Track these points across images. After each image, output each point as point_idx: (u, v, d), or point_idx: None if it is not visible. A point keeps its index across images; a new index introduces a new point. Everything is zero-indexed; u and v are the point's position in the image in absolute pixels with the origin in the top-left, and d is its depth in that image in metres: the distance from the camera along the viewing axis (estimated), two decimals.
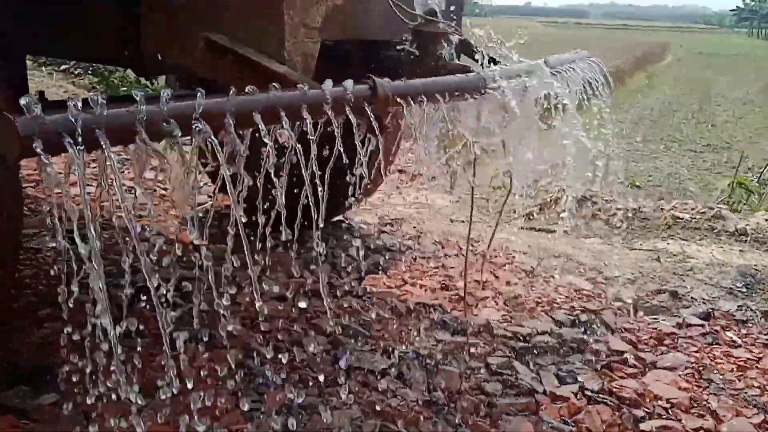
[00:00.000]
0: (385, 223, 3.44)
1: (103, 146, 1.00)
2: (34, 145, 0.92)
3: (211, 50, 1.58)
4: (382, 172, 2.46)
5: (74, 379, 1.62)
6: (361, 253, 2.96)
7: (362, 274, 2.75)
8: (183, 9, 1.64)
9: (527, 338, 2.32)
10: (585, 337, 2.35)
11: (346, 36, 1.90)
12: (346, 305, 2.48)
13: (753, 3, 54.46)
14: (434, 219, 3.63)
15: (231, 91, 1.15)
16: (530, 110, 1.82)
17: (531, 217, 3.72)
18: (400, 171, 4.71)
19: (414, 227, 3.42)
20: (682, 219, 3.54)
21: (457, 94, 1.62)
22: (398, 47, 2.02)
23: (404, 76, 1.60)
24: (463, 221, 3.59)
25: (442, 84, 1.60)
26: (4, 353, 1.96)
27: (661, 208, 3.74)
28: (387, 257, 2.96)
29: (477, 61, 1.95)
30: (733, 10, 59.20)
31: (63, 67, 7.57)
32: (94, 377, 1.44)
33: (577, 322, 2.47)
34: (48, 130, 0.94)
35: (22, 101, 0.93)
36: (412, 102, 1.49)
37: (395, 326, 2.33)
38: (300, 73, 1.59)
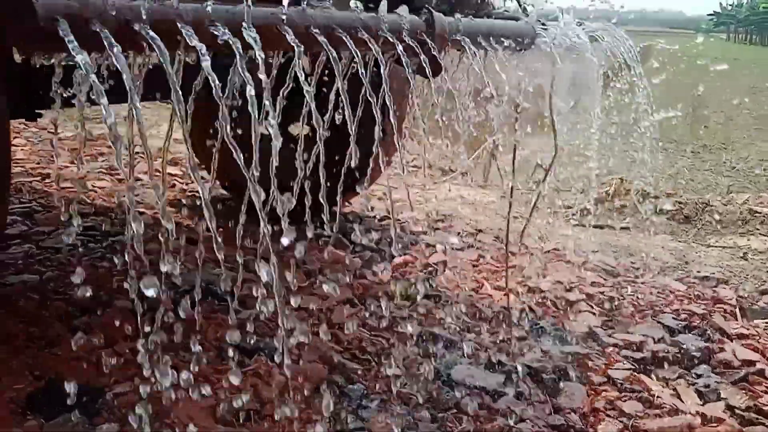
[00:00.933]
0: (436, 219, 3.12)
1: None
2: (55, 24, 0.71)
3: None
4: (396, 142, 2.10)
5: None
6: (423, 249, 2.63)
7: (432, 273, 2.43)
8: None
9: (642, 347, 2.01)
10: (705, 344, 2.04)
11: None
12: (422, 309, 2.15)
13: (730, 8, 55.28)
14: (483, 214, 3.32)
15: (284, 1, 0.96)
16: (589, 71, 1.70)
17: (587, 212, 3.43)
18: (429, 166, 4.38)
19: (467, 224, 3.10)
20: (760, 213, 3.26)
21: (511, 41, 1.44)
22: None
23: None
24: (516, 217, 3.28)
25: (499, 27, 1.42)
26: (41, 372, 1.61)
27: (733, 203, 3.46)
28: (450, 256, 2.64)
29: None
30: (710, 14, 60.10)
31: None
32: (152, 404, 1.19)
33: (688, 327, 2.17)
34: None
35: None
36: (468, 43, 1.29)
37: (488, 333, 2.01)
38: None
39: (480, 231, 2.99)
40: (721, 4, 57.90)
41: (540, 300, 2.29)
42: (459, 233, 2.92)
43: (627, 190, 3.46)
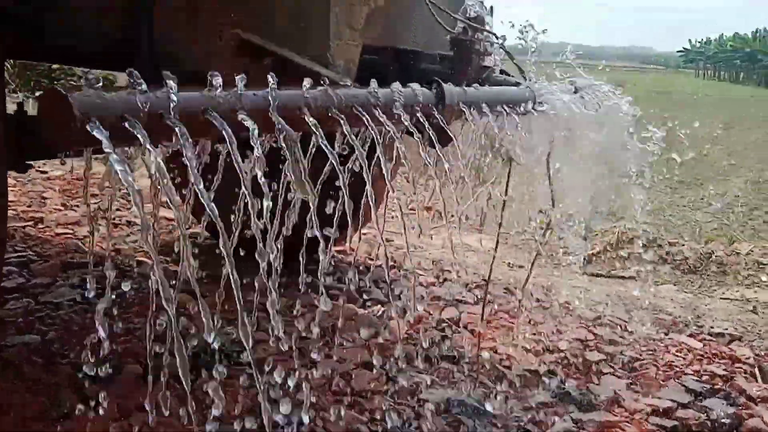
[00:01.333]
0: (443, 269, 3.06)
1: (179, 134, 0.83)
2: (89, 126, 0.74)
3: (244, 51, 1.38)
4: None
5: None
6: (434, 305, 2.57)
7: (447, 330, 2.37)
8: (206, 3, 1.43)
9: (670, 413, 1.96)
10: (733, 410, 2.00)
11: (386, 43, 1.72)
12: (440, 373, 2.09)
13: (699, 45, 56.77)
14: (487, 262, 3.27)
15: (305, 85, 1.05)
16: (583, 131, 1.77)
17: (589, 261, 3.41)
18: (427, 208, 4.34)
19: (474, 273, 3.05)
20: (765, 264, 3.27)
21: (512, 107, 1.53)
22: (437, 58, 1.86)
23: None
24: (522, 267, 3.25)
25: (502, 95, 1.50)
26: None
27: (737, 252, 3.47)
28: (461, 311, 2.58)
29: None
30: (680, 51, 61.65)
31: None
32: None
33: (712, 390, 2.13)
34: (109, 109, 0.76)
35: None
36: (474, 111, 1.38)
37: (515, 399, 1.95)
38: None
39: (487, 281, 2.93)
40: (690, 41, 59.51)
41: (559, 360, 2.24)
42: (468, 285, 2.87)
43: (629, 239, 3.45)
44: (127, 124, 0.78)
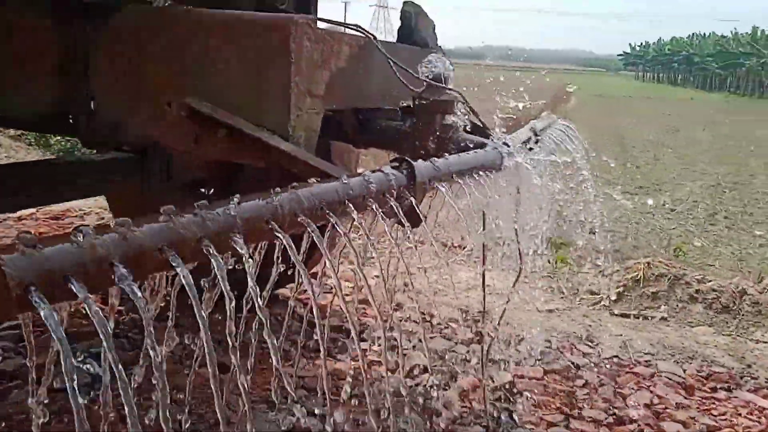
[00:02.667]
0: (473, 318, 2.68)
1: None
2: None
3: (195, 121, 1.31)
4: None
5: None
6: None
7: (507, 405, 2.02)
8: (153, 68, 1.37)
9: None
10: None
11: (348, 105, 1.67)
12: None
13: (638, 48, 58.48)
14: (513, 306, 2.91)
15: (273, 192, 0.90)
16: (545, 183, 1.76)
17: (617, 299, 3.09)
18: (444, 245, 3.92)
19: (507, 323, 2.66)
20: None
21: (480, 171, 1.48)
22: (398, 113, 1.82)
23: (405, 146, 1.65)
24: (552, 310, 2.89)
25: (469, 161, 1.46)
26: None
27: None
28: (513, 373, 2.22)
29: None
30: (620, 54, 63.47)
31: None
32: None
33: None
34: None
35: None
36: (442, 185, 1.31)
37: None
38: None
39: (522, 336, 2.56)
40: (630, 45, 61.41)
41: None
42: (508, 340, 2.48)
43: (656, 275, 3.13)
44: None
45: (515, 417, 1.97)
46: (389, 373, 2.09)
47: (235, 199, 0.84)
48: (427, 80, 1.68)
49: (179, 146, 1.37)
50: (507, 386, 2.12)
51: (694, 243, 4.76)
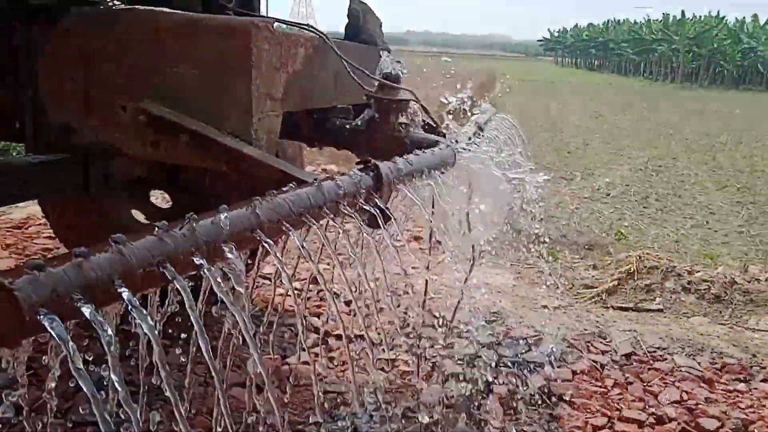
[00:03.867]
0: (489, 319, 2.72)
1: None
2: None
3: (153, 126, 1.30)
4: None
5: None
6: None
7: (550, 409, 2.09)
8: (104, 71, 1.35)
9: None
10: None
11: (305, 106, 1.68)
12: None
13: (557, 34, 59.94)
14: (522, 305, 2.97)
15: (255, 202, 0.94)
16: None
17: (611, 292, 3.19)
18: (416, 238, 3.87)
19: (519, 322, 2.72)
20: None
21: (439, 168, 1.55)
22: (350, 111, 1.86)
23: (361, 145, 1.71)
24: (557, 307, 2.95)
25: (429, 160, 1.51)
26: None
27: (757, 279, 3.34)
28: (545, 377, 2.28)
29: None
30: (540, 40, 64.84)
31: None
32: None
33: None
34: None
35: None
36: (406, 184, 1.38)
37: None
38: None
39: (540, 333, 2.62)
40: (549, 30, 62.78)
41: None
42: (527, 341, 2.53)
43: (648, 268, 3.26)
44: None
45: (555, 424, 2.01)
46: (425, 384, 2.16)
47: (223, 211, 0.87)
48: (380, 79, 1.70)
49: (136, 151, 1.35)
50: (542, 390, 2.16)
51: (633, 226, 4.94)
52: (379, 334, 2.40)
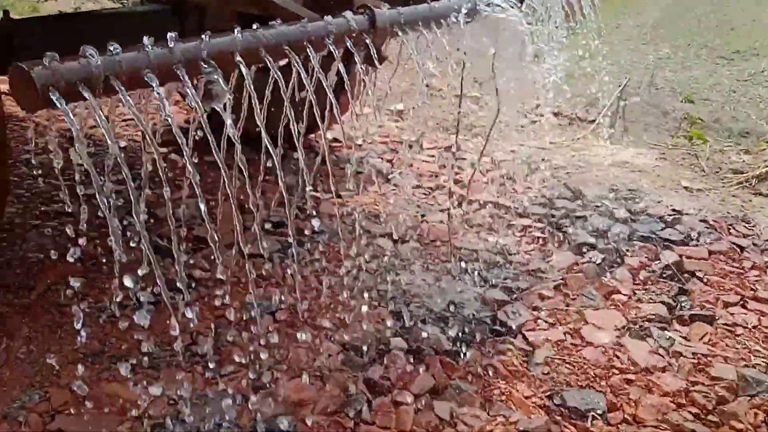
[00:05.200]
0: (625, 197, 2.75)
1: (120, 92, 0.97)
2: (51, 94, 0.89)
3: None
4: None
5: None
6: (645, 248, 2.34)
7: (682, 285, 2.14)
8: None
9: None
10: None
11: None
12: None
13: None
14: (660, 183, 2.92)
15: (236, 30, 1.14)
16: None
17: (758, 179, 3.12)
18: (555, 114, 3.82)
19: (658, 202, 2.70)
20: None
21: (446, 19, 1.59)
22: None
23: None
24: (701, 189, 2.89)
25: (434, 10, 1.56)
26: None
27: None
28: (679, 254, 2.31)
29: None
30: None
31: None
32: None
33: None
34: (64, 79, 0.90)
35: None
36: (409, 30, 1.47)
37: None
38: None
39: (679, 212, 2.61)
40: None
41: None
42: (663, 218, 2.55)
43: None
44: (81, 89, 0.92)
45: (687, 297, 2.06)
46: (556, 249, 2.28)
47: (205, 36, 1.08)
48: None
49: None
50: (675, 266, 2.20)
51: None
52: (513, 201, 2.53)
